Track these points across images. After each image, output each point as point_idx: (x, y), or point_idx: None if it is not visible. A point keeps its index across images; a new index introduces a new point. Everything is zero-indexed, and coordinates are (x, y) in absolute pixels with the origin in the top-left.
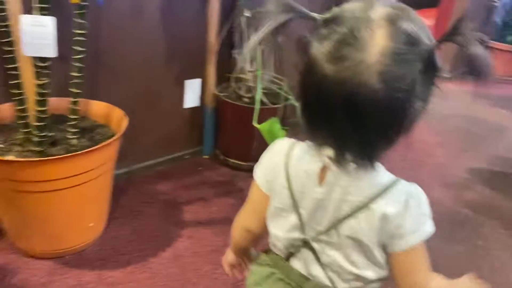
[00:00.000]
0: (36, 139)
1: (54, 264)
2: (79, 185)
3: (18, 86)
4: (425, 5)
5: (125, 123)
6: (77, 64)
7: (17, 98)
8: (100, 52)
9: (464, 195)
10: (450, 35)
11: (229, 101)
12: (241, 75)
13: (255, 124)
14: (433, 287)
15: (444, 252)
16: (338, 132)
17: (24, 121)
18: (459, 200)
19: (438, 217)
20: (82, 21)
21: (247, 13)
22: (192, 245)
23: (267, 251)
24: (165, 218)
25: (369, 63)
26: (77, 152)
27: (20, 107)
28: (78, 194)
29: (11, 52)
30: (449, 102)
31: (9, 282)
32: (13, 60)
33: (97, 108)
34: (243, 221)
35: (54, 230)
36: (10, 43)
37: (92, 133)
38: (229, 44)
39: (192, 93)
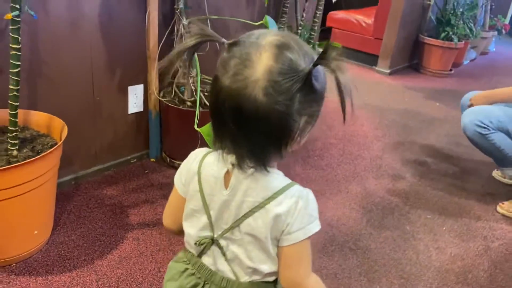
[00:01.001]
0: None
1: (0, 273)
2: (21, 194)
3: None
4: (366, 4)
5: (65, 132)
6: (14, 77)
7: None
8: (39, 63)
9: (396, 185)
10: (319, 59)
11: (172, 105)
12: (183, 80)
13: (196, 127)
14: (309, 283)
15: (374, 237)
16: (234, 140)
17: None
18: (391, 190)
19: (370, 206)
20: (17, 36)
21: (185, 21)
22: (138, 246)
23: (185, 249)
24: (112, 221)
25: (255, 79)
26: (18, 163)
27: None
28: (21, 204)
29: None
30: (387, 97)
31: None
32: None
33: (38, 118)
34: (164, 221)
35: None
36: None
37: (33, 143)
38: (170, 50)
39: (135, 99)
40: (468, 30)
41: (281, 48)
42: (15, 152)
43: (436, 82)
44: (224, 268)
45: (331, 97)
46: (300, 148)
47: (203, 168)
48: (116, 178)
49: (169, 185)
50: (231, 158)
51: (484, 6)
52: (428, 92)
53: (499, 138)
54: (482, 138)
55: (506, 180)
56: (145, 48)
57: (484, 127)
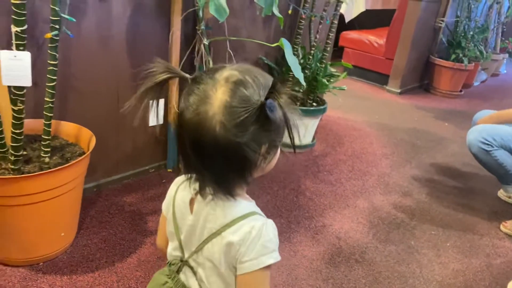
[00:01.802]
0: (12, 158)
1: (27, 271)
2: (52, 198)
3: None
4: (378, 25)
5: (93, 142)
6: (50, 90)
7: None
8: (70, 77)
9: (402, 202)
10: (269, 93)
11: None
12: None
13: None
14: None
15: (379, 250)
16: (197, 169)
17: (1, 142)
18: (397, 206)
19: (377, 221)
20: (54, 53)
21: (205, 41)
22: (156, 251)
23: (169, 264)
24: (131, 227)
25: (212, 113)
26: (50, 170)
27: None
28: (51, 207)
29: None
30: (397, 116)
31: None
32: None
33: (67, 129)
34: (157, 241)
35: (28, 240)
36: None
37: (63, 152)
38: (190, 68)
39: (156, 113)
40: (478, 53)
41: (235, 83)
42: (47, 159)
43: (445, 103)
44: (195, 286)
45: (342, 116)
46: (310, 163)
47: (177, 194)
48: (135, 187)
49: None
50: (195, 185)
51: (495, 29)
52: (438, 112)
53: (501, 155)
54: (485, 154)
55: (510, 200)
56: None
57: (488, 144)
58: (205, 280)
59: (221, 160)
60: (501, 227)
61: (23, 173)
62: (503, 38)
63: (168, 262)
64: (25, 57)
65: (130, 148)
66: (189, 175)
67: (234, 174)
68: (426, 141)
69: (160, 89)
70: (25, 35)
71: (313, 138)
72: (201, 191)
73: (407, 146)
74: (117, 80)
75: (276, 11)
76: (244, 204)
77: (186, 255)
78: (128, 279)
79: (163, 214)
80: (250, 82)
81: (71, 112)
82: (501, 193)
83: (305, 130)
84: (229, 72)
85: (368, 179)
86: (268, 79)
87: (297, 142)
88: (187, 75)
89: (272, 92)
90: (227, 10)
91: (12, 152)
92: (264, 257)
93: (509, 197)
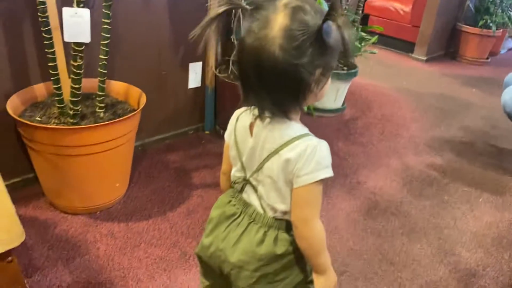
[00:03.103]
0: (71, 112)
1: (87, 218)
2: (108, 150)
3: (54, 67)
4: None
5: (143, 99)
6: (104, 48)
7: (54, 78)
8: (117, 38)
9: (434, 161)
10: (328, 15)
11: (228, 81)
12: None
13: None
14: (314, 225)
15: (414, 204)
16: (257, 93)
17: (59, 98)
18: (429, 165)
19: (410, 179)
20: (108, 12)
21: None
22: (202, 202)
23: (234, 182)
24: (177, 182)
25: (272, 36)
26: (107, 122)
27: (56, 85)
28: (108, 158)
29: (49, 39)
30: (424, 83)
31: (52, 232)
32: (51, 45)
33: (117, 87)
34: (222, 168)
35: (88, 189)
36: (48, 31)
37: (114, 108)
38: (227, 30)
39: (195, 75)
40: (506, 18)
41: (295, 8)
42: (102, 115)
43: (472, 70)
44: (255, 203)
45: (371, 82)
46: (342, 126)
47: (238, 122)
48: (176, 147)
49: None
50: (255, 111)
51: None
52: (464, 79)
53: None
54: None
55: None
56: (206, 29)
57: None
58: (264, 196)
59: (279, 81)
60: None
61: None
62: None
63: (232, 182)
64: (85, 13)
65: (171, 109)
66: (247, 103)
67: (290, 97)
68: (454, 106)
69: (224, 21)
70: None
71: (343, 103)
72: (260, 115)
73: (435, 111)
74: (158, 41)
75: None
76: (299, 126)
77: (248, 175)
78: (180, 226)
79: (226, 142)
80: (308, 8)
81: (117, 71)
82: None
83: (336, 94)
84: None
85: (399, 140)
86: (321, 7)
87: (328, 105)
88: (247, 6)
89: (330, 14)
90: None
91: (71, 106)
92: (319, 172)
93: None
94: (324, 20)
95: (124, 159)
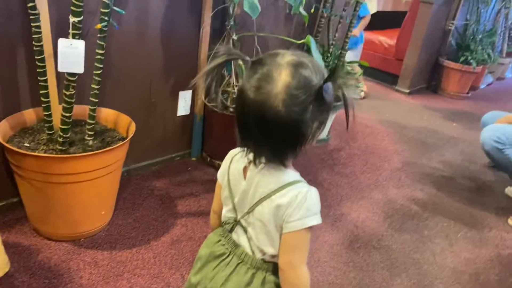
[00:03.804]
0: (60, 139)
1: (71, 245)
2: (96, 178)
3: (46, 95)
4: (388, 26)
5: (132, 128)
6: (96, 78)
7: (45, 105)
8: (109, 67)
9: (415, 195)
10: (329, 77)
11: (217, 110)
12: (228, 88)
13: None
14: (300, 271)
15: (395, 238)
16: (255, 141)
17: (49, 124)
18: (410, 198)
19: (391, 212)
20: (102, 43)
21: (234, 36)
22: (186, 231)
23: (222, 225)
24: (162, 210)
25: (275, 92)
26: (96, 151)
27: (47, 112)
28: (95, 186)
29: (43, 67)
30: (407, 115)
31: (34, 259)
32: (44, 73)
33: (107, 114)
34: (212, 206)
35: (73, 217)
36: (42, 60)
37: (103, 136)
38: None
39: (184, 103)
40: (486, 56)
41: (297, 67)
42: (90, 142)
43: (453, 104)
44: (245, 244)
45: (355, 113)
46: (326, 157)
47: (232, 164)
48: (162, 173)
49: (210, 182)
50: (249, 155)
51: (502, 33)
52: (446, 113)
53: None
54: (498, 152)
55: None
56: (197, 59)
57: (501, 143)
58: (254, 238)
59: (280, 134)
60: (509, 221)
61: (69, 154)
62: (510, 43)
63: (222, 222)
64: (80, 45)
65: (159, 136)
66: (244, 148)
67: (288, 147)
68: (435, 139)
69: (221, 69)
70: (81, 25)
71: (328, 133)
72: (255, 160)
73: (417, 143)
74: (150, 71)
75: (302, 10)
76: (292, 173)
77: (239, 216)
78: (163, 256)
79: (219, 182)
80: (309, 66)
81: (107, 98)
82: (508, 190)
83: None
84: (290, 57)
85: (382, 173)
86: (320, 65)
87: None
88: (247, 57)
89: (332, 75)
90: (259, 8)
91: (61, 134)
92: (308, 218)
93: None
94: (325, 81)
95: (110, 187)
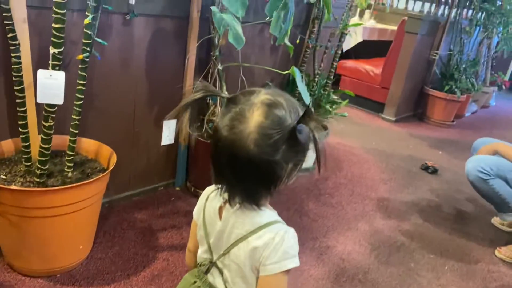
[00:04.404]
0: (38, 171)
1: (47, 282)
2: (74, 212)
3: (24, 126)
4: (374, 55)
5: (114, 159)
6: (77, 108)
7: (23, 135)
8: (92, 95)
9: (401, 226)
10: (302, 118)
11: (202, 139)
12: (213, 118)
13: None
14: None
15: (381, 272)
16: (229, 182)
17: (27, 156)
18: (397, 229)
19: (378, 244)
20: (84, 74)
21: (219, 66)
22: (168, 266)
23: (200, 264)
24: (143, 243)
25: (248, 132)
26: (74, 184)
27: (25, 143)
28: (73, 220)
29: (22, 97)
30: (393, 143)
31: None
32: (23, 104)
33: (88, 145)
34: (188, 245)
35: (50, 251)
36: (21, 90)
37: (83, 167)
38: None
39: (168, 132)
40: (470, 85)
41: (270, 106)
42: (69, 174)
43: (439, 132)
44: (220, 287)
45: (341, 141)
46: (312, 186)
47: (208, 202)
48: (145, 204)
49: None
50: (225, 195)
51: (485, 63)
52: (432, 141)
53: (498, 184)
54: (482, 182)
55: (504, 228)
56: (181, 88)
57: (485, 173)
58: (230, 281)
59: (252, 174)
60: (496, 252)
61: (47, 187)
62: (493, 72)
63: (198, 263)
64: (60, 76)
65: (142, 166)
66: (219, 186)
67: (261, 187)
68: (421, 169)
69: (198, 105)
70: (62, 56)
71: (314, 162)
72: (230, 201)
73: (403, 172)
74: (134, 100)
75: (287, 41)
76: (268, 213)
77: (215, 257)
78: None
79: (194, 220)
80: (283, 105)
81: (89, 128)
82: (495, 220)
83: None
84: (264, 96)
85: (368, 203)
86: (296, 104)
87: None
88: (224, 95)
89: (304, 117)
90: (244, 39)
91: (39, 165)
92: (286, 261)
93: (502, 224)
94: (298, 122)
95: (90, 220)
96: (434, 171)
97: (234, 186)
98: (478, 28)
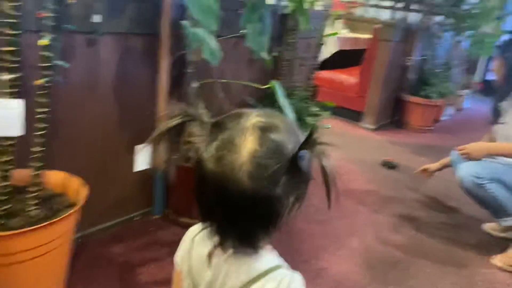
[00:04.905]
0: None
1: None
2: (39, 256)
3: None
4: (349, 64)
5: (84, 192)
6: (39, 140)
7: None
8: (57, 124)
9: (395, 239)
10: (305, 143)
11: (179, 163)
12: (190, 139)
13: None
14: None
15: None
16: (220, 223)
17: None
18: (390, 243)
19: (373, 262)
20: (45, 100)
21: (194, 84)
22: None
23: None
24: (121, 281)
25: (239, 163)
26: (39, 225)
27: None
28: (38, 265)
29: None
30: (375, 152)
31: None
32: None
33: (54, 178)
34: None
35: None
36: None
37: (50, 203)
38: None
39: (142, 157)
40: (444, 88)
41: (265, 130)
42: (33, 212)
43: (419, 138)
44: None
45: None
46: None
47: (195, 246)
48: (121, 236)
49: (175, 243)
50: (215, 238)
51: (458, 65)
52: (413, 148)
53: (495, 188)
54: (478, 188)
55: (496, 233)
56: (154, 108)
57: (480, 178)
58: None
59: (247, 213)
60: (494, 261)
61: (8, 229)
62: (466, 75)
63: None
64: (18, 105)
65: (116, 195)
66: (206, 225)
67: (259, 228)
68: (406, 177)
69: (178, 132)
70: (19, 83)
71: None
72: (221, 245)
73: (389, 181)
74: (103, 126)
75: (264, 54)
76: (268, 257)
77: None
78: None
79: (177, 269)
80: (280, 128)
81: (56, 160)
82: (488, 227)
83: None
84: (256, 118)
85: (358, 217)
86: (294, 125)
87: None
88: (207, 119)
89: (308, 142)
90: (220, 54)
91: None
92: None
93: (495, 230)
94: (300, 147)
95: (58, 263)
96: (392, 167)
97: (226, 228)
98: (449, 32)
